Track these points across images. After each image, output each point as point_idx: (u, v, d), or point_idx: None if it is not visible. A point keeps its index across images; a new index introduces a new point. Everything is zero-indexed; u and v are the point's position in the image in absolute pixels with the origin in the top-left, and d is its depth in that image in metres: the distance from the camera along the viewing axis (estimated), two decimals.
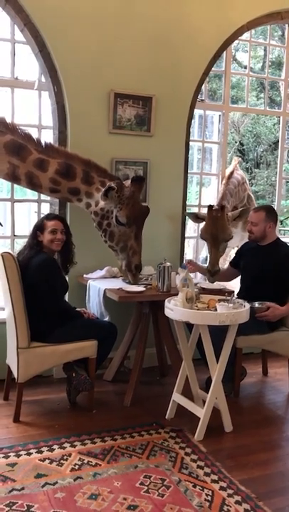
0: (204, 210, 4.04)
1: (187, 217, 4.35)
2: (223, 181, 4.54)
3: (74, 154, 3.51)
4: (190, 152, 4.44)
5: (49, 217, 3.47)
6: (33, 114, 4.01)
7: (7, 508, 2.32)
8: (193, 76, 4.19)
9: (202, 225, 4.00)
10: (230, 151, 11.55)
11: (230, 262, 4.15)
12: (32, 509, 2.33)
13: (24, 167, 3.40)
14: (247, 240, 4.15)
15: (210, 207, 3.88)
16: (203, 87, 4.37)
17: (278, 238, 3.93)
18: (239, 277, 4.11)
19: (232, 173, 4.55)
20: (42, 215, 3.73)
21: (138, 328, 3.76)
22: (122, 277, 3.80)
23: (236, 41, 4.59)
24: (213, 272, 3.83)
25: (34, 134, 3.68)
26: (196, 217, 4.09)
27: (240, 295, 3.76)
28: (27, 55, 4.13)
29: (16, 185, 3.88)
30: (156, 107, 4.05)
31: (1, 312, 3.74)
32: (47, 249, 3.38)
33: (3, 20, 3.84)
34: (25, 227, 4.16)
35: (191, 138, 4.38)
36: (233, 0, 4.23)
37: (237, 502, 2.46)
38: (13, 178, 3.47)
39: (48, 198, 4.06)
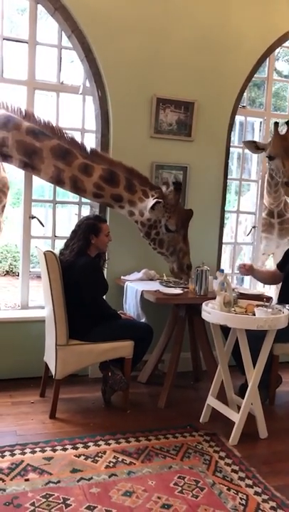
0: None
1: (225, 221, 4.37)
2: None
3: (118, 162, 3.59)
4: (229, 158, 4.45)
5: (101, 220, 3.55)
6: (77, 118, 4.09)
7: (43, 500, 2.37)
8: (235, 82, 4.21)
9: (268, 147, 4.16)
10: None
11: (277, 265, 4.08)
12: (68, 502, 2.36)
13: (69, 171, 3.48)
14: (284, 248, 4.14)
15: (276, 123, 4.09)
16: (244, 93, 4.39)
17: None
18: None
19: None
20: (81, 217, 3.80)
21: (173, 332, 3.78)
22: (160, 280, 3.84)
23: (277, 49, 4.59)
24: None
25: (78, 137, 3.77)
26: (256, 147, 4.26)
27: (280, 300, 3.73)
28: (71, 61, 4.25)
29: (57, 188, 3.97)
30: (198, 112, 4.08)
31: (40, 311, 3.83)
32: (95, 250, 3.45)
33: (51, 26, 3.96)
34: (66, 228, 4.23)
35: (231, 144, 4.39)
36: (278, 5, 4.24)
37: (272, 508, 2.43)
38: (58, 181, 3.55)
39: (89, 201, 4.14)
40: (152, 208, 3.46)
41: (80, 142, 3.59)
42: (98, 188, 3.53)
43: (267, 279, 4.08)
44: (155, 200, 3.46)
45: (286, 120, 4.33)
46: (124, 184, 3.55)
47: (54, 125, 3.57)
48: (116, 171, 3.54)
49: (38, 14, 3.86)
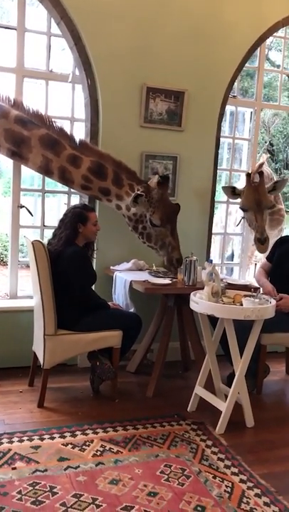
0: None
1: (215, 211, 4.36)
2: (256, 167, 4.55)
3: (106, 154, 3.57)
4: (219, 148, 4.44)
5: (88, 208, 3.53)
6: (66, 106, 4.06)
7: (30, 488, 2.38)
8: (226, 72, 4.19)
9: (240, 199, 4.02)
10: (260, 151, 11.47)
11: (267, 257, 4.09)
12: (54, 490, 2.38)
13: (58, 161, 3.46)
14: (274, 239, 4.17)
15: (248, 174, 3.89)
16: (235, 83, 4.37)
17: None
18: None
19: (261, 165, 4.54)
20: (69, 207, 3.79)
21: (162, 321, 3.79)
22: (149, 270, 3.84)
23: (269, 39, 4.56)
24: (263, 240, 3.86)
25: (67, 126, 3.75)
26: (233, 192, 4.11)
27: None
28: (61, 49, 4.20)
29: (46, 178, 3.95)
30: (188, 102, 4.06)
31: (29, 300, 3.82)
32: (83, 240, 3.44)
33: (40, 13, 3.91)
34: (55, 218, 4.22)
35: (221, 134, 4.38)
36: None
37: (257, 495, 2.46)
38: (46, 171, 3.53)
39: None
40: (135, 201, 3.45)
41: (69, 133, 3.57)
42: (86, 180, 3.52)
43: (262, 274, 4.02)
44: (136, 193, 3.45)
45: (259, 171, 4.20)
46: (111, 178, 3.53)
47: (43, 114, 3.55)
48: (104, 164, 3.53)
49: (28, 1, 3.82)
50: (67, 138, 3.52)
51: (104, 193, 3.58)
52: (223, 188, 4.27)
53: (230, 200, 4.31)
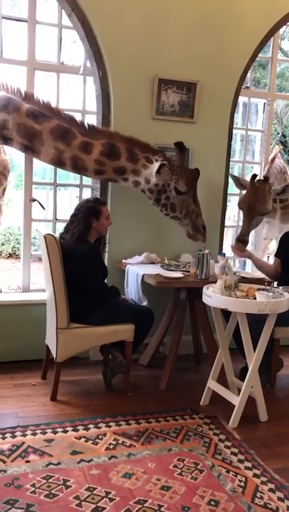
0: None
1: (227, 205, 4.32)
2: (268, 164, 4.49)
3: (115, 133, 3.55)
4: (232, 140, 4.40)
5: (101, 202, 3.51)
6: (78, 99, 4.04)
7: (44, 481, 2.39)
8: (239, 62, 4.13)
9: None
10: (272, 142, 11.35)
11: (275, 254, 4.02)
12: (68, 483, 2.39)
13: (69, 151, 3.44)
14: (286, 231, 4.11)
15: (253, 176, 3.86)
16: (248, 74, 4.31)
17: None
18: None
19: (274, 158, 4.49)
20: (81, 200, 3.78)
21: (174, 315, 3.78)
22: (161, 263, 3.82)
23: (282, 29, 4.49)
24: (241, 240, 3.86)
25: (78, 118, 3.72)
26: (239, 183, 4.12)
27: (280, 283, 3.72)
28: (72, 41, 4.18)
29: (58, 170, 3.94)
30: (201, 93, 4.02)
31: (42, 294, 3.83)
32: (95, 234, 3.43)
33: (51, 5, 3.88)
34: (67, 211, 4.21)
35: (234, 126, 4.33)
36: None
37: (270, 490, 2.45)
38: (58, 163, 3.52)
39: (90, 183, 4.11)
40: (158, 172, 3.42)
41: (78, 120, 3.53)
42: (99, 164, 3.48)
43: (270, 271, 3.91)
44: (160, 163, 3.42)
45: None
46: (125, 155, 3.49)
47: (53, 105, 3.51)
48: (115, 144, 3.49)
49: None
50: (77, 125, 3.48)
51: (120, 173, 3.53)
52: (232, 176, 4.26)
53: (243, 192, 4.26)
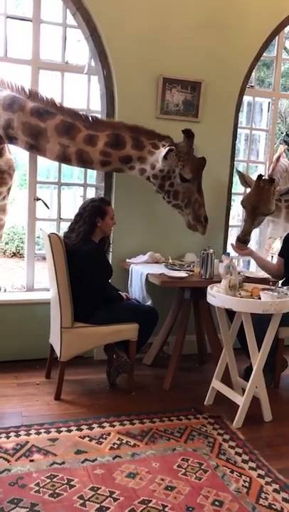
0: None
1: (232, 204, 4.32)
2: (272, 163, 4.48)
3: (120, 123, 3.51)
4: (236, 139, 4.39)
5: (106, 202, 3.50)
6: (82, 98, 4.04)
7: (48, 480, 2.39)
8: (243, 61, 4.12)
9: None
10: (276, 142, 11.32)
11: (279, 254, 3.98)
12: (72, 482, 2.39)
13: (74, 145, 3.41)
14: None
15: (259, 176, 3.84)
16: (253, 73, 4.30)
17: None
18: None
19: (279, 157, 4.48)
20: (86, 199, 3.77)
21: (178, 314, 3.77)
22: (165, 263, 3.82)
23: (287, 28, 4.48)
24: (242, 240, 3.84)
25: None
26: (244, 180, 4.10)
27: (284, 282, 3.70)
28: (77, 40, 4.17)
29: (62, 170, 3.93)
30: (205, 93, 4.01)
31: (46, 293, 3.83)
32: (100, 234, 3.43)
33: (55, 4, 3.88)
34: (71, 210, 4.20)
35: (238, 125, 4.32)
36: None
37: (275, 490, 2.44)
38: (64, 158, 3.49)
39: (94, 183, 4.11)
40: (165, 157, 3.38)
41: (82, 114, 3.49)
42: (105, 155, 3.44)
43: (273, 270, 3.88)
44: (168, 148, 3.38)
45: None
46: (131, 143, 3.45)
47: (56, 101, 3.49)
48: (120, 133, 3.44)
49: None
50: (81, 119, 3.44)
51: (126, 162, 3.49)
52: (237, 171, 4.25)
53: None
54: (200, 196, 3.56)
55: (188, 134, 3.50)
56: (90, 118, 3.48)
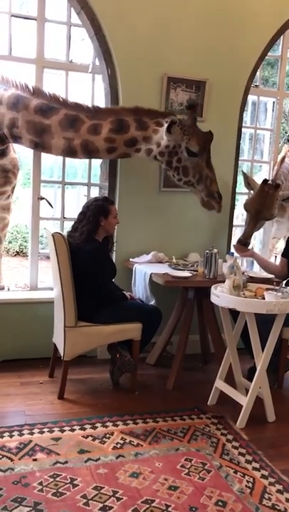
0: None
1: (236, 203, 4.31)
2: (276, 164, 4.46)
3: (121, 108, 3.51)
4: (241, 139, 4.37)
5: (109, 201, 3.50)
6: (86, 97, 4.03)
7: (51, 479, 2.39)
8: (248, 61, 4.11)
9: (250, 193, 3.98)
10: (280, 141, 11.30)
11: (282, 254, 3.95)
12: (75, 482, 2.38)
13: (79, 137, 3.39)
14: None
15: (264, 181, 3.83)
16: (257, 73, 4.29)
17: None
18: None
19: (284, 158, 4.47)
20: (89, 198, 3.77)
21: (182, 314, 3.77)
22: (169, 262, 3.81)
23: None
24: (243, 242, 3.84)
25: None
26: (248, 183, 4.10)
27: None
28: (81, 39, 4.17)
29: (66, 169, 3.93)
30: (209, 92, 4.00)
31: (49, 292, 3.83)
32: (103, 233, 3.43)
33: (60, 3, 3.88)
34: (75, 209, 4.20)
35: (243, 124, 4.31)
36: None
37: (278, 491, 2.43)
38: (70, 152, 3.47)
39: (98, 182, 4.11)
40: (168, 130, 3.35)
41: (84, 105, 3.48)
42: (110, 141, 3.42)
43: (275, 271, 3.85)
44: (170, 120, 3.35)
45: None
46: (134, 126, 3.43)
47: (58, 95, 3.47)
48: (122, 118, 3.42)
49: None
50: (84, 110, 3.43)
51: (131, 145, 3.46)
52: (243, 173, 4.24)
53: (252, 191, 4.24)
54: (211, 172, 3.51)
55: (190, 106, 3.47)
56: (92, 107, 3.47)
